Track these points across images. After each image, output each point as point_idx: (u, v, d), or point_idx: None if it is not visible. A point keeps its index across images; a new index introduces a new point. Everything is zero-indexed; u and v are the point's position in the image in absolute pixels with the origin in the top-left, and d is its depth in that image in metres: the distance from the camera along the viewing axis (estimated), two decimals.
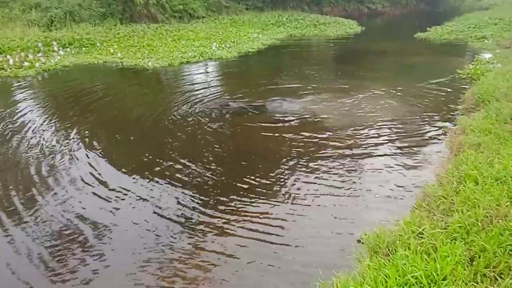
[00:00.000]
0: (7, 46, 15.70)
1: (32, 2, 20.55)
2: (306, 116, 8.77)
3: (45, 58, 15.06)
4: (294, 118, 8.66)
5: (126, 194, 5.75)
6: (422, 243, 3.88)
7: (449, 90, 10.49)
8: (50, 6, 20.39)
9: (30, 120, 8.94)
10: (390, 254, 3.88)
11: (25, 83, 12.55)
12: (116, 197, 5.69)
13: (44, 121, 8.89)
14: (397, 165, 6.43)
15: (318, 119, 8.56)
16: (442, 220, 4.28)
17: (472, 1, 42.39)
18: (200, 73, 14.09)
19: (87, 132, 8.20)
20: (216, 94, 10.87)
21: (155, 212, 5.29)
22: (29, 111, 9.65)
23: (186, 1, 25.10)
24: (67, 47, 16.98)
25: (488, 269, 3.48)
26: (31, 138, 7.92)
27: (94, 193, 5.81)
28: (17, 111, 9.68)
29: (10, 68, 13.72)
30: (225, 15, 26.60)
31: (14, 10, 19.95)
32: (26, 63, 14.10)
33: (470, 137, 6.50)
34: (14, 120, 8.99)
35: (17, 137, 7.98)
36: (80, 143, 7.63)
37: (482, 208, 4.24)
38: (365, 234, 4.40)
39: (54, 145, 7.57)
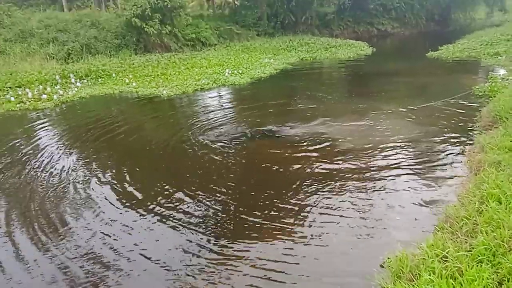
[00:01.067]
0: (26, 80, 16.17)
1: (50, 37, 21.27)
2: (322, 139, 8.74)
3: (62, 90, 15.43)
4: (310, 141, 8.64)
5: (138, 224, 5.76)
6: (447, 266, 3.77)
7: (464, 108, 10.38)
8: (67, 40, 21.06)
9: (48, 151, 9.10)
10: (414, 279, 3.78)
11: (43, 115, 12.83)
12: (129, 226, 5.71)
13: (62, 152, 9.04)
14: (416, 186, 6.33)
15: (334, 142, 8.51)
16: (466, 242, 4.17)
17: (483, 19, 42.38)
18: (214, 100, 14.24)
19: (104, 162, 8.32)
20: (230, 120, 10.95)
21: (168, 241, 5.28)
22: (48, 142, 9.83)
23: (198, 30, 25.69)
24: (84, 79, 17.40)
25: None
26: (49, 168, 8.04)
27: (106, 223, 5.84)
28: (36, 143, 9.88)
29: (29, 101, 14.07)
30: (237, 42, 27.07)
31: (33, 44, 20.62)
32: (44, 96, 14.45)
33: (490, 155, 6.38)
34: (33, 152, 9.15)
35: (36, 168, 8.11)
36: (97, 173, 7.71)
37: (507, 228, 4.12)
38: (388, 258, 4.30)
39: (71, 175, 7.66)
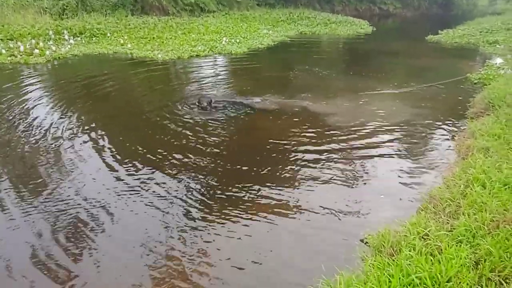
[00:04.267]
0: (18, 33, 15.82)
1: None
2: (313, 114, 8.74)
3: (55, 46, 15.13)
4: (301, 116, 8.63)
5: (130, 184, 5.77)
6: (427, 244, 3.85)
7: (459, 93, 10.41)
8: None
9: (37, 107, 9.00)
10: (395, 254, 3.86)
11: (34, 70, 12.62)
12: (121, 187, 5.72)
13: (51, 109, 8.94)
14: (403, 167, 6.38)
15: (325, 117, 8.51)
16: (448, 223, 4.25)
17: (485, 6, 42.11)
18: (209, 67, 14.08)
19: (93, 121, 8.23)
20: (224, 88, 10.88)
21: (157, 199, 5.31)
22: (38, 98, 9.70)
23: None
24: (78, 36, 17.06)
25: (493, 273, 3.45)
26: (37, 125, 7.97)
27: (97, 180, 5.84)
28: (26, 97, 9.74)
29: (21, 55, 13.81)
30: (236, 10, 26.59)
31: None
32: (36, 51, 14.17)
33: (479, 141, 6.44)
34: (22, 107, 9.04)
35: (24, 124, 8.02)
36: (86, 132, 7.66)
37: (489, 212, 4.20)
38: (370, 235, 4.37)
39: (59, 133, 7.60)
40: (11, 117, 8.36)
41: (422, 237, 4.03)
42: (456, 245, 3.77)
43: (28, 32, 16.04)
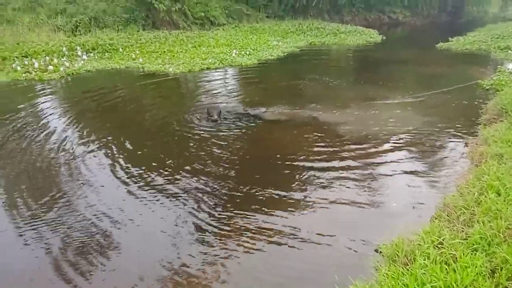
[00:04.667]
0: (33, 50, 16.12)
1: (58, 8, 21.13)
2: (324, 123, 8.75)
3: (69, 63, 15.40)
4: (313, 126, 8.65)
5: (140, 197, 5.83)
6: (442, 253, 3.82)
7: (471, 100, 10.32)
8: (75, 12, 20.91)
9: (51, 122, 9.18)
10: (409, 264, 3.83)
11: (49, 86, 12.85)
12: (132, 200, 5.77)
13: (65, 123, 9.10)
14: (416, 175, 6.35)
15: (336, 127, 8.51)
16: (463, 231, 4.21)
17: (496, 12, 41.80)
18: (220, 80, 14.19)
19: (106, 135, 8.35)
20: (234, 100, 10.96)
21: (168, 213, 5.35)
22: (52, 112, 9.88)
23: (207, 9, 25.41)
24: (91, 52, 17.34)
25: (510, 282, 3.40)
26: (51, 139, 8.11)
27: (109, 194, 5.91)
28: (40, 112, 9.93)
29: (35, 71, 14.07)
30: (246, 23, 26.78)
31: (41, 15, 20.49)
32: (50, 67, 14.43)
33: (493, 148, 6.38)
34: (37, 121, 9.21)
35: (38, 138, 8.17)
36: (99, 146, 7.77)
37: (504, 219, 4.15)
38: (383, 244, 4.35)
39: (72, 146, 7.73)
40: (25, 132, 8.51)
41: (437, 246, 3.99)
42: (472, 254, 3.73)
43: (42, 49, 16.37)
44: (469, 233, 4.11)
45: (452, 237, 4.07)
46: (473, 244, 3.91)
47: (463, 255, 3.70)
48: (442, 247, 3.93)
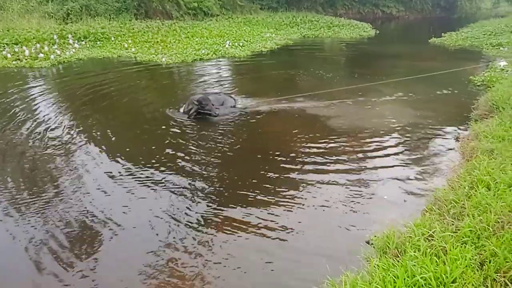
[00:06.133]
0: (23, 37, 15.93)
1: None
2: (317, 117, 8.76)
3: (60, 51, 15.24)
4: (304, 118, 8.66)
5: (133, 187, 5.81)
6: (432, 245, 3.85)
7: (462, 95, 10.41)
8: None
9: (41, 111, 9.09)
10: (399, 255, 3.86)
11: (39, 74, 12.72)
12: (123, 189, 5.75)
13: (55, 112, 9.02)
14: (407, 169, 6.39)
15: (328, 120, 8.54)
16: (453, 224, 4.25)
17: (489, 9, 42.05)
18: (212, 71, 14.13)
19: (95, 124, 8.33)
20: (227, 91, 10.92)
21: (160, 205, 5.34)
22: (42, 101, 9.79)
23: None
24: (82, 41, 17.17)
25: (498, 274, 3.45)
26: (41, 128, 8.03)
27: (100, 187, 5.88)
28: (30, 101, 9.82)
29: (26, 59, 13.92)
30: (239, 14, 26.67)
31: (31, 1, 20.21)
32: (41, 55, 14.28)
33: (483, 143, 6.44)
34: (26, 110, 9.12)
35: (28, 128, 8.08)
36: (88, 135, 7.73)
37: (494, 213, 4.19)
38: (375, 236, 4.38)
39: (61, 136, 7.67)
40: (15, 121, 8.42)
41: (427, 238, 4.03)
42: (461, 246, 3.77)
43: (33, 37, 16.16)
44: (459, 226, 4.15)
45: (443, 230, 4.10)
46: (463, 237, 3.95)
47: (453, 247, 3.73)
48: (432, 240, 3.96)
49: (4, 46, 15.00)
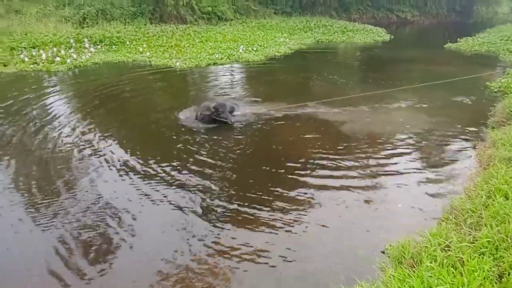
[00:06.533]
0: (40, 41, 16.18)
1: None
2: (332, 122, 8.71)
3: (76, 54, 15.42)
4: (319, 124, 8.62)
5: (145, 192, 5.83)
6: (449, 256, 3.79)
7: (479, 102, 10.26)
8: (83, 4, 20.94)
9: (57, 113, 9.22)
10: (415, 266, 3.81)
11: (56, 77, 12.90)
12: (139, 191, 5.78)
13: (69, 115, 9.15)
14: (423, 176, 6.31)
15: (342, 126, 8.48)
16: (470, 234, 4.18)
17: (506, 13, 41.48)
18: (226, 75, 14.17)
19: (109, 126, 8.44)
20: (240, 96, 10.94)
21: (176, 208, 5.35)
22: (58, 104, 9.92)
23: (215, 3, 25.34)
24: (98, 44, 17.36)
25: None
26: (57, 131, 8.16)
27: (114, 188, 5.91)
28: (47, 104, 9.97)
29: (43, 63, 14.13)
30: (253, 19, 26.72)
31: (49, 6, 20.58)
32: (58, 58, 14.48)
33: (501, 151, 6.33)
34: (44, 113, 9.25)
35: (44, 129, 8.21)
36: (101, 138, 7.82)
37: None
38: (390, 245, 4.33)
39: (75, 139, 7.77)
40: (32, 123, 8.54)
41: (444, 249, 3.96)
42: (479, 257, 3.70)
43: (50, 40, 16.40)
44: (477, 237, 4.07)
45: (460, 240, 4.04)
46: (481, 248, 3.88)
47: (470, 258, 3.67)
48: (449, 250, 3.90)
49: (22, 50, 15.24)
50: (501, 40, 20.67)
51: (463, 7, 39.65)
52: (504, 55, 17.68)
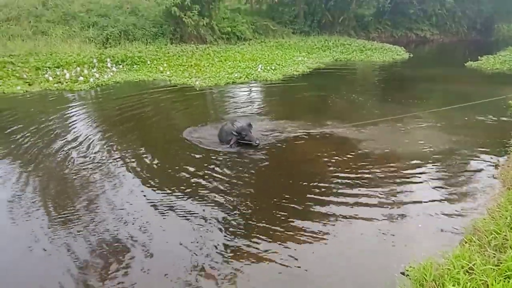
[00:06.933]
0: (65, 61, 16.68)
1: (91, 21, 21.83)
2: (352, 141, 8.66)
3: (99, 74, 15.83)
4: (339, 143, 8.57)
5: (167, 209, 5.87)
6: (473, 279, 3.69)
7: (501, 121, 10.07)
8: (106, 25, 21.53)
9: (79, 131, 9.44)
10: None
11: (78, 96, 13.23)
12: (156, 211, 5.82)
13: (91, 133, 9.34)
14: (444, 196, 6.19)
15: (363, 145, 8.42)
16: (495, 256, 4.06)
17: None
18: (244, 94, 14.28)
19: (127, 145, 8.57)
20: (258, 115, 10.99)
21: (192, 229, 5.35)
22: (79, 123, 10.16)
23: (234, 24, 25.78)
24: (120, 64, 17.79)
25: None
26: (78, 147, 8.34)
27: (131, 206, 5.97)
28: (68, 122, 10.21)
29: (66, 82, 14.53)
30: (272, 38, 27.01)
31: (74, 27, 21.22)
32: (81, 78, 14.88)
33: None
34: (65, 130, 9.48)
35: (65, 148, 8.38)
36: (120, 156, 7.93)
37: None
38: (410, 266, 4.23)
39: (100, 156, 7.90)
40: (55, 140, 8.75)
41: (467, 271, 3.86)
42: (504, 281, 3.59)
43: (73, 60, 16.90)
44: (501, 259, 3.96)
45: (484, 262, 3.93)
46: (506, 271, 3.77)
47: (495, 282, 3.57)
48: (472, 273, 3.80)
49: (46, 69, 15.72)
50: None
51: (483, 25, 39.27)
52: None
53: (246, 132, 8.10)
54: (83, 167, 7.36)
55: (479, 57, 21.36)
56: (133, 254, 4.79)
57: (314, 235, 5.16)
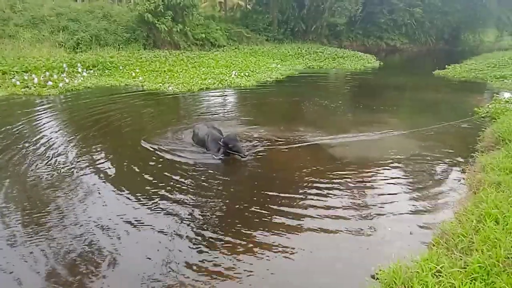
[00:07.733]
0: (33, 66, 16.23)
1: (61, 25, 21.41)
2: (322, 147, 8.74)
3: (68, 79, 15.47)
4: (309, 150, 8.62)
5: (136, 216, 5.75)
6: (440, 281, 3.75)
7: (467, 128, 10.38)
8: (77, 30, 21.17)
9: (47, 136, 9.13)
10: None
11: (47, 101, 12.88)
12: (127, 218, 5.70)
13: (61, 138, 9.07)
14: (412, 200, 6.29)
15: (333, 151, 8.50)
16: (461, 259, 4.15)
17: (492, 42, 42.55)
18: (217, 100, 14.25)
19: (96, 150, 8.37)
20: (229, 120, 10.97)
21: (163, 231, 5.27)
22: (46, 128, 9.85)
23: (208, 30, 25.81)
24: (91, 69, 17.47)
25: None
26: (47, 154, 8.04)
27: (104, 211, 5.83)
28: (35, 127, 9.91)
29: (35, 87, 14.13)
30: (246, 45, 27.17)
31: (43, 31, 20.75)
32: (50, 83, 14.51)
33: (490, 176, 6.37)
34: (33, 137, 9.15)
35: (34, 153, 8.10)
36: (89, 161, 7.72)
37: (503, 248, 4.09)
38: (380, 270, 4.27)
39: (67, 162, 7.66)
40: (22, 146, 8.45)
41: (435, 274, 3.92)
42: (471, 283, 3.67)
43: (42, 65, 16.47)
44: (468, 262, 4.04)
45: (451, 265, 4.00)
46: (472, 273, 3.85)
47: (462, 284, 3.64)
48: (440, 276, 3.86)
49: (14, 74, 15.26)
50: (488, 67, 21.15)
51: (451, 35, 40.71)
52: (491, 81, 18.05)
53: (233, 143, 7.74)
54: (50, 173, 7.12)
55: (446, 66, 22.05)
56: (96, 268, 4.66)
57: (282, 245, 5.08)
